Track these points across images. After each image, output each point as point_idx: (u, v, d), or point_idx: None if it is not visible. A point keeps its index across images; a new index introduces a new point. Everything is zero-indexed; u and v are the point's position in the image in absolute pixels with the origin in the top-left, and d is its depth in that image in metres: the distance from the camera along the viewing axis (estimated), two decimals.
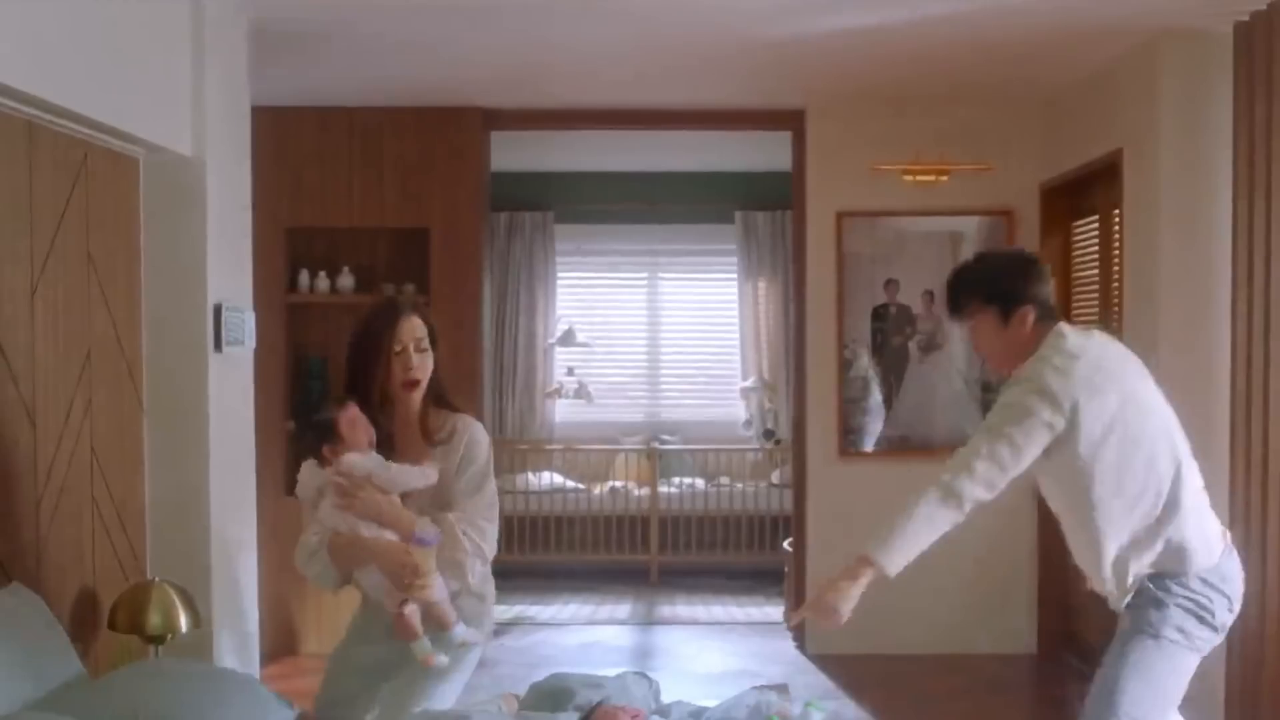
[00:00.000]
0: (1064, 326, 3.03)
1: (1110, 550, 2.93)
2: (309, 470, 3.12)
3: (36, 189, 3.41)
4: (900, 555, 2.88)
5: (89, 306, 3.71)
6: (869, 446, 6.03)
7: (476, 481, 3.11)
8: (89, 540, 3.71)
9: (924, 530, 2.88)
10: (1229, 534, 3.12)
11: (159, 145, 3.90)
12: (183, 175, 4.03)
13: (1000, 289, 3.04)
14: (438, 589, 2.97)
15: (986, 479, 2.86)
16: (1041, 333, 3.01)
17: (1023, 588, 6.02)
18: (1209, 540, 2.98)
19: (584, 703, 2.94)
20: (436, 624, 2.97)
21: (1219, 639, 3.00)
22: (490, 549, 3.11)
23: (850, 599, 2.88)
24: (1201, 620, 2.92)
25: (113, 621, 3.62)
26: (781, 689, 3.31)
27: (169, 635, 3.63)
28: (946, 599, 5.97)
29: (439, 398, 3.21)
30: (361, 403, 3.10)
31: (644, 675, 3.29)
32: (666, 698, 3.33)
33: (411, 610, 2.94)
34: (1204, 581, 2.93)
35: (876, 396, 6.02)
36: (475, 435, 3.16)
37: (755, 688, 3.34)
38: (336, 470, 3.01)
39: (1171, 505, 2.92)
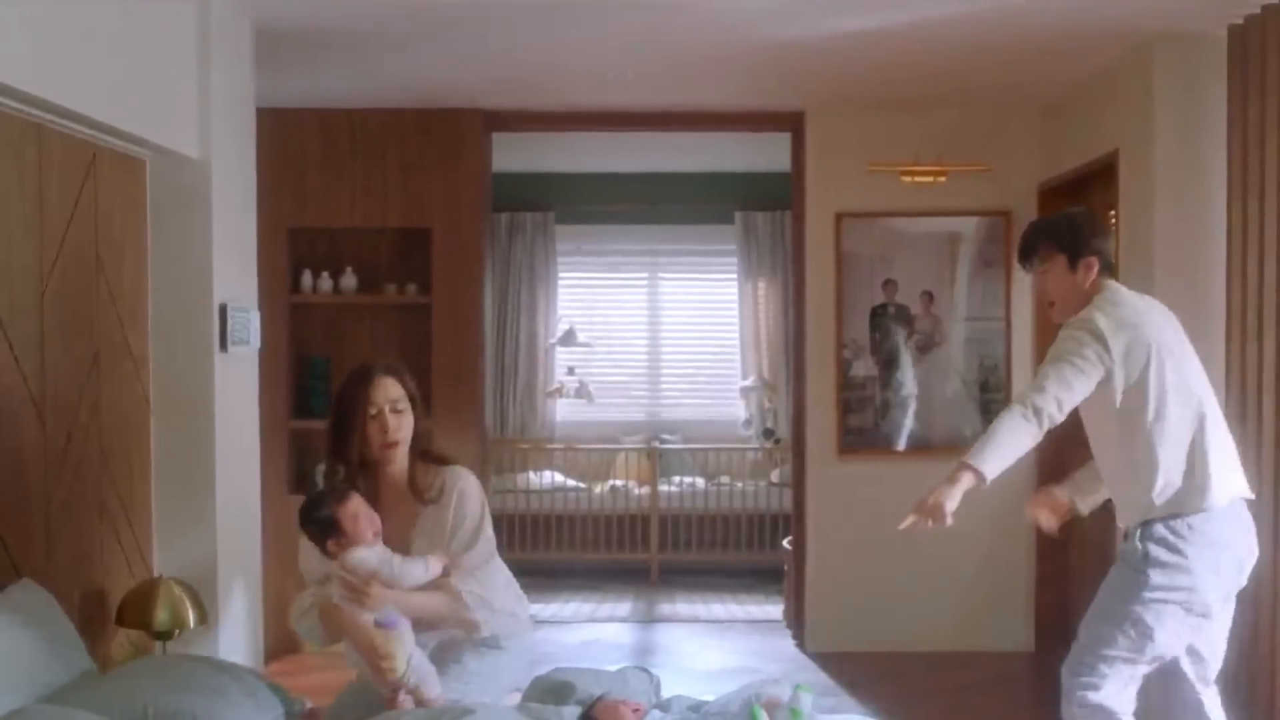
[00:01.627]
0: (1116, 283, 3.48)
1: (1132, 480, 3.33)
2: (314, 556, 3.14)
3: (46, 191, 3.46)
4: (993, 462, 3.15)
5: (97, 306, 3.76)
6: (874, 444, 6.08)
7: (468, 538, 3.17)
8: (96, 537, 3.75)
9: (1010, 441, 3.18)
10: (1248, 501, 3.41)
11: (165, 147, 3.94)
12: (188, 177, 4.08)
13: (1072, 238, 3.44)
14: (426, 681, 3.00)
15: (1056, 397, 3.20)
16: (1100, 286, 3.42)
17: (1020, 586, 6.07)
18: (1218, 495, 3.29)
19: (585, 697, 2.98)
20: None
21: (1199, 584, 3.26)
22: (495, 593, 3.17)
23: (953, 499, 3.13)
24: (1179, 569, 3.24)
25: (120, 618, 3.67)
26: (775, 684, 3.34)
27: (176, 632, 3.68)
28: (945, 597, 6.02)
29: (425, 453, 3.25)
30: (346, 466, 3.16)
31: (644, 670, 3.34)
32: (666, 693, 3.37)
33: (404, 699, 2.96)
34: (1191, 528, 3.26)
35: (874, 396, 6.07)
36: (465, 488, 3.21)
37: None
38: (343, 566, 3.02)
39: (1194, 452, 3.28)
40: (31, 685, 2.92)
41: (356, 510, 3.06)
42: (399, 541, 3.17)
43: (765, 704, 2.98)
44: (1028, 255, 3.56)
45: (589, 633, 6.57)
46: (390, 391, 3.17)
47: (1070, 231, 3.48)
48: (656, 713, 3.00)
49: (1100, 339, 3.27)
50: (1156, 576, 3.24)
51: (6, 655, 2.91)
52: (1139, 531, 3.30)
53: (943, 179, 5.87)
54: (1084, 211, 3.81)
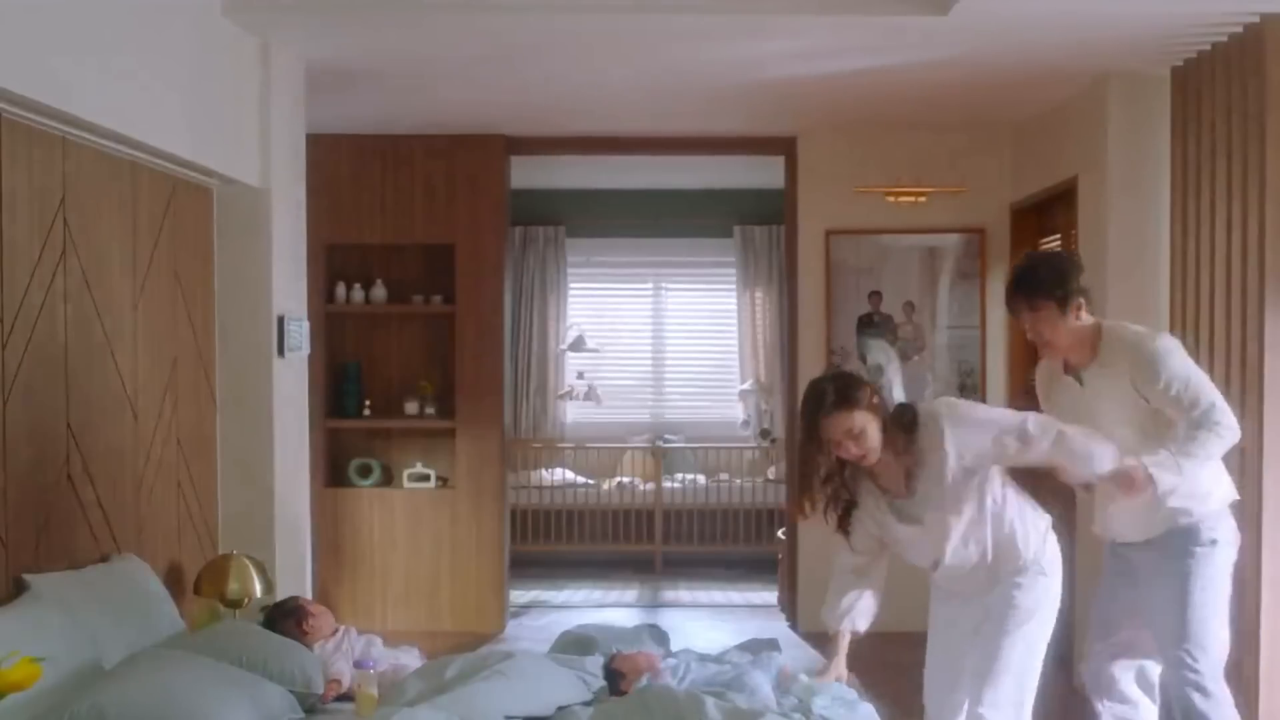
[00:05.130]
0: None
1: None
2: None
3: (139, 219, 4.01)
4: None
5: (175, 317, 4.31)
6: None
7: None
8: (174, 517, 4.30)
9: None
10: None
11: (232, 178, 4.49)
12: (251, 203, 4.62)
13: (1062, 287, 3.56)
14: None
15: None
16: (1089, 319, 3.62)
17: None
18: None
19: (606, 649, 3.51)
20: None
21: None
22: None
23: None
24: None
25: (197, 587, 4.21)
26: (771, 642, 3.86)
27: (245, 600, 4.21)
28: (922, 578, 6.51)
29: (895, 421, 3.27)
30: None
31: (656, 626, 3.86)
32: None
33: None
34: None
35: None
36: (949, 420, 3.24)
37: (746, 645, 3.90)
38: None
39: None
40: (139, 640, 3.45)
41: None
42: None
43: (781, 674, 3.49)
44: (1016, 307, 3.65)
45: (599, 617, 6.99)
46: (843, 425, 3.19)
47: (1057, 280, 3.57)
48: (671, 660, 3.52)
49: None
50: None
51: (118, 613, 3.45)
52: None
53: (923, 199, 6.42)
54: (1063, 255, 3.91)
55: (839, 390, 3.18)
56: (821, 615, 3.55)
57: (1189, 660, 3.56)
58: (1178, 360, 3.54)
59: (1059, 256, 3.83)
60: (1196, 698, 3.55)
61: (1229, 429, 3.50)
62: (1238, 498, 3.75)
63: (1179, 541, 3.60)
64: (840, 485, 3.30)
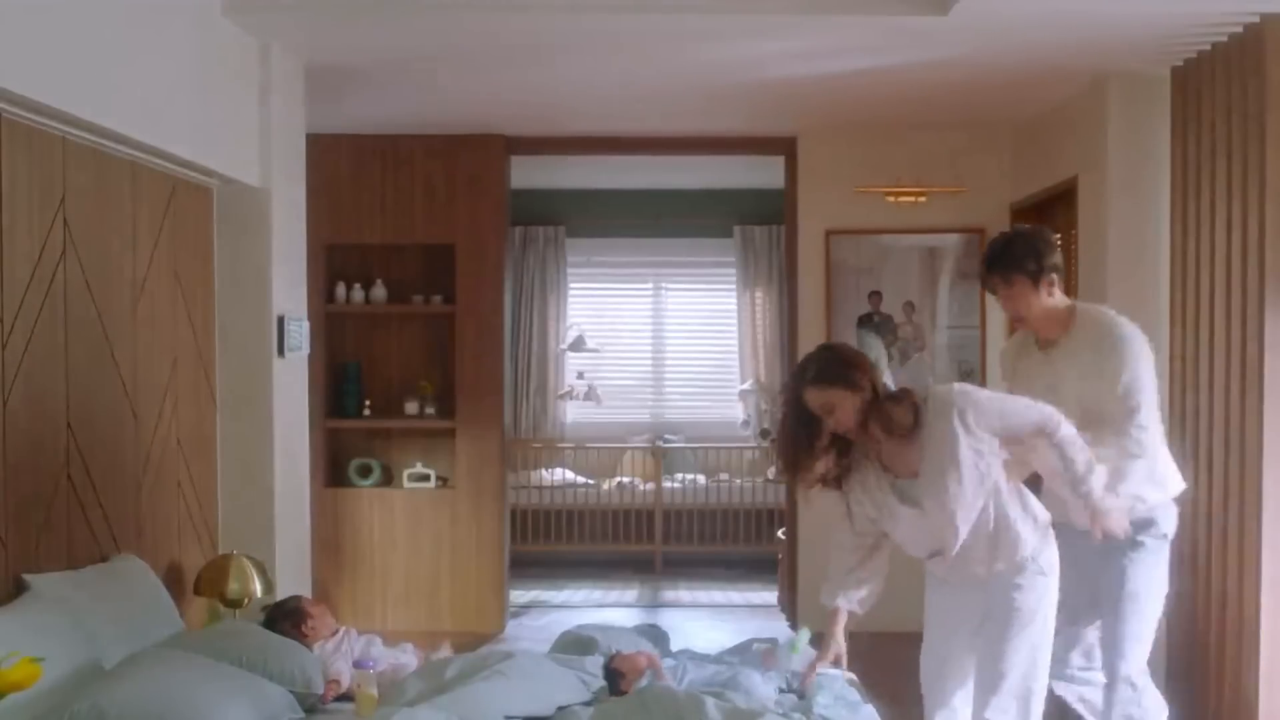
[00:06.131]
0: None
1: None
2: None
3: (138, 219, 4.01)
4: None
5: (175, 318, 4.31)
6: None
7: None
8: (175, 517, 4.30)
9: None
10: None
11: (232, 178, 4.49)
12: (251, 202, 4.63)
13: (1034, 263, 3.63)
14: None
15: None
16: (1062, 298, 3.69)
17: None
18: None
19: (605, 649, 3.52)
20: None
21: None
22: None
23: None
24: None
25: (197, 587, 4.21)
26: (770, 643, 3.87)
27: (245, 600, 4.22)
28: (921, 578, 6.52)
29: (893, 402, 3.23)
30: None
31: (655, 626, 3.87)
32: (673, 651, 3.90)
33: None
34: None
35: None
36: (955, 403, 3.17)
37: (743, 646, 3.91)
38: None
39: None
40: (139, 640, 3.45)
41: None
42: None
43: (764, 657, 3.50)
44: (992, 282, 3.72)
45: (599, 617, 7.01)
46: (816, 400, 3.19)
47: (1030, 256, 3.63)
48: (669, 660, 3.52)
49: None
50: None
51: (118, 613, 3.46)
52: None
53: (923, 199, 6.42)
54: (1036, 231, 3.94)
55: (820, 365, 3.18)
56: (820, 592, 3.51)
57: (1124, 650, 3.59)
58: (1138, 353, 3.57)
59: (1034, 232, 3.83)
60: (1124, 689, 3.59)
61: (1138, 444, 3.50)
62: (1185, 485, 3.78)
63: (1131, 530, 3.56)
64: (842, 450, 3.25)
